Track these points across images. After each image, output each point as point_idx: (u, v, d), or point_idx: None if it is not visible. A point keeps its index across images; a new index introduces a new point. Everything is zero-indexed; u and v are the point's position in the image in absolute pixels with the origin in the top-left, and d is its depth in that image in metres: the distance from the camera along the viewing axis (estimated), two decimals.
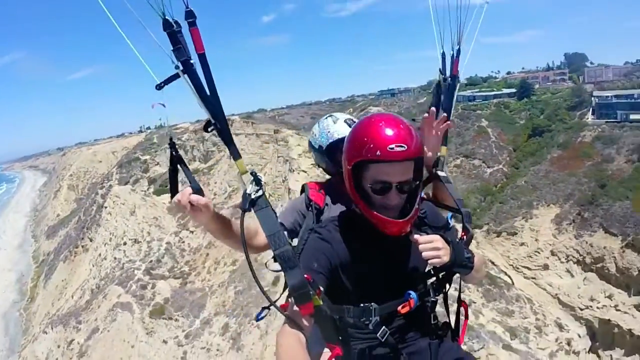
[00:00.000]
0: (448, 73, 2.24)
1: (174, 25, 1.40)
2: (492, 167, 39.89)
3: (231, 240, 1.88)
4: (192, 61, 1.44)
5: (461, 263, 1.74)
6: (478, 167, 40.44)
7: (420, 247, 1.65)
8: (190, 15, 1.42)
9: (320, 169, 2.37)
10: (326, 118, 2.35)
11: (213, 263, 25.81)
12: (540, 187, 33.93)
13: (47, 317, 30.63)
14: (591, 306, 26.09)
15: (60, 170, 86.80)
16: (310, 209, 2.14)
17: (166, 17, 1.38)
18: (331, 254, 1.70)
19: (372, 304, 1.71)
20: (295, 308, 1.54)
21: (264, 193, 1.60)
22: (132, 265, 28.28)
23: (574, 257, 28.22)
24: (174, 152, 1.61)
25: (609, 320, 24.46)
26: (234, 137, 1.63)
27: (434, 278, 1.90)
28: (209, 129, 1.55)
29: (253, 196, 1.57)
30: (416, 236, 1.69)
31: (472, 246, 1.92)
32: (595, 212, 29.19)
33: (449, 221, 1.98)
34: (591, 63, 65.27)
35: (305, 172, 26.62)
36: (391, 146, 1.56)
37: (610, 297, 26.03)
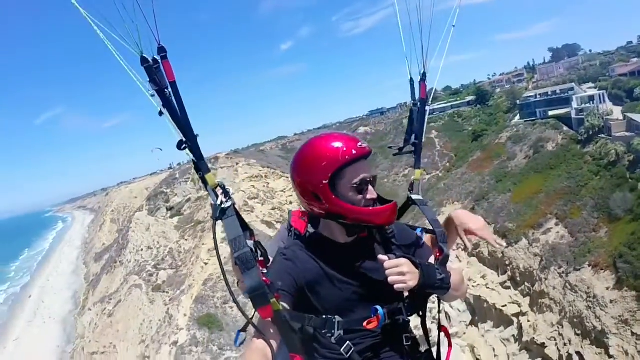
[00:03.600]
0: (417, 98, 2.46)
1: (150, 61, 1.69)
2: (430, 174, 49.51)
3: None
4: (166, 89, 1.73)
5: (432, 285, 1.85)
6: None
7: (386, 272, 1.76)
8: (161, 50, 1.71)
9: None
10: None
11: (196, 259, 40.74)
12: (453, 188, 43.82)
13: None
14: (468, 285, 35.25)
15: (104, 208, 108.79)
16: (290, 234, 2.25)
17: (143, 55, 1.68)
18: (296, 272, 1.85)
19: (336, 316, 1.84)
20: (263, 319, 1.69)
21: (233, 204, 1.81)
22: (145, 263, 43.85)
23: (461, 245, 39.10)
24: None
25: (479, 296, 33.15)
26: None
27: (407, 297, 2.01)
28: (182, 147, 1.78)
29: (223, 206, 1.78)
30: (382, 258, 1.80)
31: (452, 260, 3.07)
32: (482, 206, 38.49)
33: (421, 237, 2.14)
34: (590, 51, 72.57)
35: None
36: (359, 144, 1.85)
37: (484, 277, 34.28)
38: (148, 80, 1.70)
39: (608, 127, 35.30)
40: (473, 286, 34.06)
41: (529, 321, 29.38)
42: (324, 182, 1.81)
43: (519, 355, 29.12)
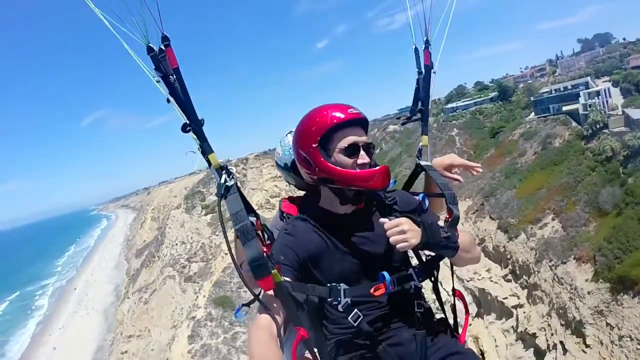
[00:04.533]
0: (422, 66, 2.53)
1: (155, 50, 1.81)
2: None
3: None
4: (171, 76, 1.84)
5: (437, 243, 1.87)
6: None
7: (387, 232, 1.80)
8: (165, 39, 1.82)
9: (292, 186, 2.66)
10: (286, 135, 2.63)
11: (220, 250, 45.90)
12: (466, 184, 46.09)
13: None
14: (474, 278, 36.84)
15: (145, 206, 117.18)
16: (284, 220, 2.33)
17: (149, 44, 1.80)
18: (297, 246, 1.91)
19: (342, 284, 1.87)
20: (268, 292, 1.74)
21: (235, 182, 1.91)
22: (179, 256, 49.46)
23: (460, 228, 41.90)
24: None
25: (484, 289, 35.70)
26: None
27: (417, 262, 2.06)
28: (186, 129, 1.88)
29: (228, 184, 1.89)
30: (382, 220, 1.86)
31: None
32: (489, 202, 41.15)
33: (424, 202, 2.14)
34: (624, 39, 70.26)
35: None
36: (350, 110, 1.93)
37: (488, 270, 36.54)
38: (154, 67, 1.84)
39: (607, 123, 37.15)
40: (478, 279, 36.75)
41: (524, 312, 31.91)
42: (314, 145, 1.91)
43: (515, 345, 31.68)
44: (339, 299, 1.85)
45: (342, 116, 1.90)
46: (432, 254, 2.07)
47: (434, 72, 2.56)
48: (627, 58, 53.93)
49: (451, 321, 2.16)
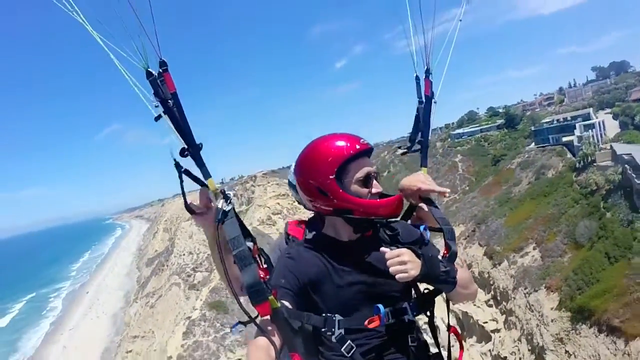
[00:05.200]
0: (422, 96, 2.57)
1: (154, 74, 1.84)
2: (449, 197, 53.32)
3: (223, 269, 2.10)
4: (169, 100, 1.87)
5: (436, 277, 1.94)
6: (437, 197, 57.38)
7: (388, 262, 1.85)
8: (163, 64, 1.85)
9: (302, 205, 2.52)
10: None
11: None
12: (461, 210, 48.08)
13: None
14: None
15: (159, 217, 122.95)
16: (288, 243, 2.42)
17: (148, 69, 1.84)
18: (298, 270, 1.97)
19: (336, 315, 1.94)
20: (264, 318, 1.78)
21: (233, 207, 1.92)
22: (185, 265, 53.61)
23: (458, 264, 44.33)
24: (179, 168, 1.91)
25: (467, 312, 37.71)
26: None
27: (414, 296, 2.12)
28: (185, 154, 1.90)
29: (225, 209, 1.89)
30: (384, 249, 1.91)
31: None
32: (480, 229, 43.31)
33: (425, 235, 2.19)
34: None
35: None
36: (361, 140, 2.03)
37: None
38: (153, 92, 1.86)
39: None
40: (463, 303, 39.65)
41: (500, 337, 33.98)
42: (331, 177, 1.95)
43: None
44: (333, 329, 1.92)
45: (358, 147, 1.99)
46: (431, 287, 2.13)
47: (435, 102, 2.59)
48: (631, 90, 55.92)
49: (445, 355, 2.19)
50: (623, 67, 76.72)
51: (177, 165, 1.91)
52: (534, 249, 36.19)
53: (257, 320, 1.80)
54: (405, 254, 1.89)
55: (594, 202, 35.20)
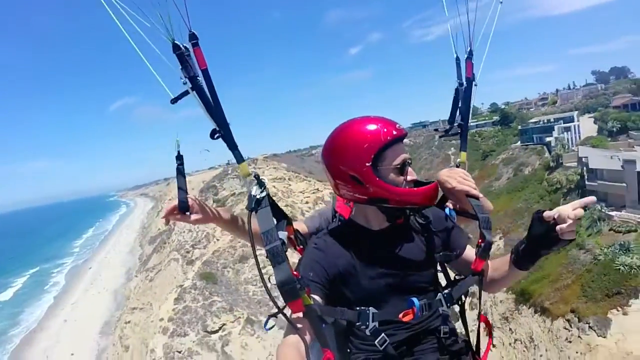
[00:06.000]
0: (463, 78, 2.55)
1: (182, 48, 1.77)
2: None
3: (238, 232, 2.30)
4: (198, 77, 1.81)
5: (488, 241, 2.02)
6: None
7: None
8: (193, 37, 1.79)
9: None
10: None
11: (213, 237, 54.85)
12: None
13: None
14: None
15: (164, 196, 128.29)
16: (334, 220, 2.45)
17: (175, 42, 1.76)
18: (327, 263, 1.97)
19: (370, 308, 1.95)
20: (295, 315, 1.78)
21: (267, 194, 1.91)
22: (185, 242, 59.06)
23: None
24: (178, 164, 1.94)
25: None
26: None
27: (447, 288, 2.12)
28: (215, 136, 1.89)
29: (258, 196, 1.88)
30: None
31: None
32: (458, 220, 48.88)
33: (451, 218, 2.25)
34: None
35: None
36: (397, 125, 1.97)
37: None
38: (180, 67, 1.79)
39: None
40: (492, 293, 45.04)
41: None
42: (367, 164, 1.90)
43: None
44: (367, 323, 1.94)
45: (395, 133, 1.93)
46: (462, 276, 2.13)
47: (476, 85, 2.57)
48: (614, 97, 59.91)
49: (473, 343, 2.23)
50: (623, 72, 78.52)
51: (178, 157, 1.94)
52: (500, 238, 40.91)
53: (288, 315, 1.81)
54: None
55: (554, 199, 39.93)
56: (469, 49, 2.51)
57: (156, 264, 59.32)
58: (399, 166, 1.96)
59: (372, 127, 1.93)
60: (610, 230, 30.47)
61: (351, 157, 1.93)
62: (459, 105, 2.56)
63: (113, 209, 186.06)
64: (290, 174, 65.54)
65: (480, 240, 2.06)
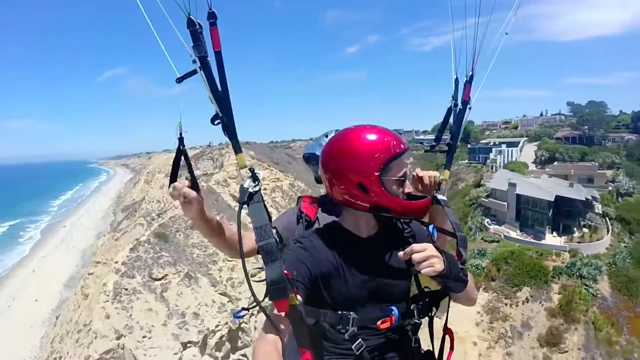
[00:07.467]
0: (459, 99, 2.67)
1: (197, 24, 1.79)
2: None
3: (217, 240, 2.39)
4: (208, 58, 1.83)
5: (456, 274, 2.01)
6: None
7: (415, 255, 1.90)
8: (212, 16, 1.81)
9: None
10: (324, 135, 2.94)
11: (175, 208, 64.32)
12: None
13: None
14: None
15: (143, 169, 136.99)
16: (300, 220, 2.55)
17: (190, 17, 1.78)
18: (311, 263, 2.03)
19: (351, 312, 2.04)
20: (275, 311, 1.81)
21: (260, 189, 1.94)
22: (152, 211, 67.84)
23: None
24: (181, 147, 2.06)
25: None
26: None
27: (421, 299, 2.23)
28: (215, 122, 1.90)
29: (251, 190, 1.92)
30: (414, 246, 1.94)
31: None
32: None
33: (434, 234, 2.18)
34: (621, 112, 77.35)
35: None
36: (403, 139, 2.08)
37: None
38: (192, 44, 1.80)
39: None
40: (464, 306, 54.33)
41: None
42: (376, 173, 1.98)
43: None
44: (347, 327, 2.03)
45: (402, 147, 2.02)
46: (436, 288, 2.24)
47: (469, 108, 2.69)
48: (559, 129, 68.73)
49: (436, 353, 2.32)
50: (600, 106, 77.00)
51: (180, 140, 2.03)
52: None
53: (268, 312, 1.84)
54: (431, 248, 1.95)
55: (466, 212, 49.18)
56: (470, 73, 2.63)
57: (123, 227, 68.29)
58: (401, 179, 2.06)
59: (383, 138, 2.02)
60: (481, 239, 39.77)
61: (362, 164, 2.00)
62: (450, 124, 2.72)
63: (94, 175, 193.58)
64: (255, 162, 74.59)
65: (456, 257, 2.14)
